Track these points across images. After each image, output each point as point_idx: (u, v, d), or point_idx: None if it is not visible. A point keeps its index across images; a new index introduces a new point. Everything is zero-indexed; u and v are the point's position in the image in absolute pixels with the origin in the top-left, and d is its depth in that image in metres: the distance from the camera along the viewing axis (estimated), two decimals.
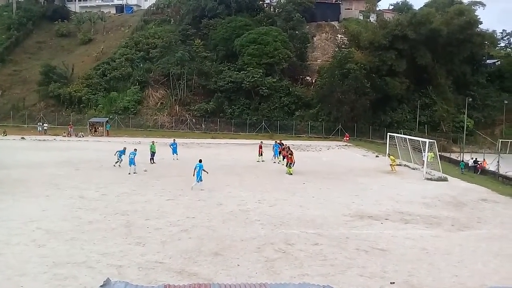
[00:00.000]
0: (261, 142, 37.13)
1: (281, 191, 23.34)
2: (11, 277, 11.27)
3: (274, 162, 33.46)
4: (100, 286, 6.10)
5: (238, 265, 12.73)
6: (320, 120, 60.08)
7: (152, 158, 31.66)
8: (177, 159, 33.23)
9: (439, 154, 31.09)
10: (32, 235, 14.76)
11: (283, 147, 33.29)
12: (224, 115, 61.59)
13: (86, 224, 16.28)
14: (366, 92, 56.47)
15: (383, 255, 14.10)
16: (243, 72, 61.24)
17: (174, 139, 36.32)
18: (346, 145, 51.21)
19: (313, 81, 65.96)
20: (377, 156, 34.45)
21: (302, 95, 63.06)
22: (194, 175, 22.87)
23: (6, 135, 49.66)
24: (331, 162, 36.42)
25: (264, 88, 60.50)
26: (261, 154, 34.77)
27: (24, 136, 48.34)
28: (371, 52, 59.75)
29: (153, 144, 32.60)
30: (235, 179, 26.45)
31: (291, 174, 28.37)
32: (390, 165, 31.90)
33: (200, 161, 23.69)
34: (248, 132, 59.03)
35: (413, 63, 58.66)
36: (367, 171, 31.46)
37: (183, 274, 11.89)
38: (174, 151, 33.76)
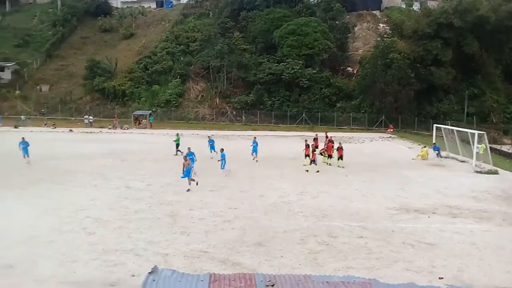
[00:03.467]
0: (316, 134, 36.60)
1: (323, 184, 23.09)
2: (63, 263, 11.72)
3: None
4: (149, 273, 6.21)
5: (281, 256, 12.69)
6: (362, 111, 58.95)
7: (177, 150, 31.96)
8: (211, 158, 29.81)
9: (489, 146, 29.80)
10: (82, 223, 15.31)
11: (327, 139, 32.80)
12: (264, 107, 61.55)
13: (132, 213, 16.73)
14: (410, 82, 54.81)
15: (431, 249, 13.67)
16: (282, 64, 60.90)
17: (210, 136, 33.27)
18: (390, 137, 50.01)
19: (355, 72, 64.74)
20: (424, 147, 33.51)
21: (343, 86, 62.07)
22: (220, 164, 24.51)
23: (55, 127, 51.78)
24: (374, 154, 35.70)
25: (304, 80, 59.94)
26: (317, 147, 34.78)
27: (72, 129, 50.20)
28: (414, 41, 57.82)
29: (177, 136, 33.04)
30: (276, 171, 26.38)
31: (330, 164, 28.60)
32: (418, 155, 32.12)
33: (222, 150, 25.17)
34: (289, 124, 58.77)
35: (459, 52, 56.30)
36: (412, 164, 30.62)
37: (227, 264, 11.98)
38: (212, 147, 30.86)
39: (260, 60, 63.61)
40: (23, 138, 27.69)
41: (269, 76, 60.85)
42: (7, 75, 70.61)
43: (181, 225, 15.40)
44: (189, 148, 24.67)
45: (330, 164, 28.89)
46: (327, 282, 6.23)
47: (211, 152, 30.93)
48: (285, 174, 25.64)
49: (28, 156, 26.91)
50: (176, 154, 31.17)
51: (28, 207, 17.32)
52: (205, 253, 12.78)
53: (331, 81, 61.81)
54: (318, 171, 26.22)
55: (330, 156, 29.13)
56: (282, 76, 59.95)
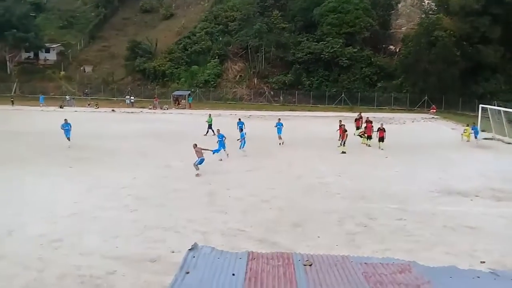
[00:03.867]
0: (359, 113, 36.07)
1: (362, 165, 22.77)
2: (107, 239, 12.20)
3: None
4: (189, 249, 6.34)
5: (318, 237, 12.69)
6: (404, 91, 57.35)
7: (208, 130, 32.01)
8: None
9: None
10: (124, 200, 15.83)
11: (362, 119, 32.27)
12: (303, 87, 60.94)
13: (172, 191, 17.12)
14: (456, 61, 52.60)
15: (473, 233, 13.29)
16: (322, 42, 59.84)
17: (240, 119, 32.19)
18: (432, 117, 48.46)
19: (397, 50, 62.87)
20: (467, 126, 32.32)
21: (385, 65, 60.47)
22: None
23: (98, 107, 53.35)
24: (416, 135, 34.79)
25: (344, 59, 58.78)
26: (358, 128, 34.37)
27: (114, 109, 51.58)
28: (461, 18, 55.20)
29: (210, 117, 33.17)
30: (313, 152, 26.21)
31: (370, 145, 28.23)
32: (462, 134, 31.13)
33: (218, 131, 25.11)
34: (327, 104, 58.02)
35: (509, 29, 53.31)
36: (456, 145, 29.62)
37: (264, 243, 12.10)
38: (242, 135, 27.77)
39: (299, 39, 62.72)
40: (65, 120, 27.50)
41: (308, 55, 60.00)
42: (52, 56, 73.05)
43: (219, 204, 15.65)
44: (218, 130, 24.59)
45: (369, 145, 28.42)
46: (365, 263, 6.17)
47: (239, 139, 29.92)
48: (323, 155, 25.44)
49: (69, 139, 26.66)
50: (206, 135, 31.40)
51: (73, 184, 18.05)
52: (243, 232, 12.96)
53: (372, 60, 60.30)
54: (344, 152, 25.77)
55: (369, 137, 28.62)
56: (321, 55, 58.99)
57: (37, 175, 19.28)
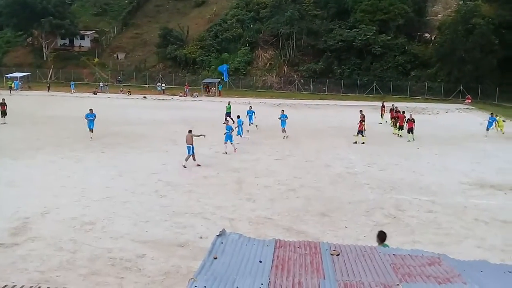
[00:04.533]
0: (383, 102, 35.90)
1: (393, 155, 22.41)
2: (137, 223, 12.49)
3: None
4: (217, 235, 6.41)
5: (345, 227, 12.62)
6: (438, 80, 55.87)
7: (226, 118, 31.96)
8: (256, 126, 29.78)
9: None
10: (154, 186, 16.13)
11: (394, 110, 31.70)
12: (333, 76, 60.21)
13: (201, 178, 17.34)
14: (494, 49, 50.77)
15: (506, 227, 12.92)
16: (354, 30, 58.85)
17: (251, 106, 31.71)
18: (467, 108, 47.12)
19: (432, 38, 61.12)
20: (504, 121, 31.10)
21: (419, 54, 58.97)
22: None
23: (130, 94, 54.32)
24: (449, 126, 33.89)
25: (377, 47, 57.67)
26: (382, 116, 34.00)
27: (146, 96, 52.39)
28: (501, 4, 53.15)
29: (229, 104, 33.16)
30: (343, 141, 25.97)
31: (401, 136, 27.63)
32: (496, 127, 29.89)
33: (238, 117, 25.59)
34: (358, 94, 57.22)
35: None
36: (491, 137, 28.68)
37: (291, 231, 12.13)
38: (250, 119, 29.86)
39: (331, 27, 61.86)
40: (91, 109, 25.54)
41: (340, 43, 59.14)
42: (86, 43, 74.64)
43: (247, 191, 15.75)
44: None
45: (401, 136, 27.92)
46: (393, 254, 6.09)
47: (249, 124, 29.38)
48: (353, 145, 25.17)
49: (92, 130, 24.95)
50: (225, 122, 31.24)
51: (105, 169, 18.52)
52: (270, 220, 13.02)
53: (406, 48, 58.93)
54: (360, 143, 25.25)
55: (401, 127, 28.09)
56: (354, 43, 58.04)
57: (72, 160, 19.90)
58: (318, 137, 27.11)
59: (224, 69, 25.86)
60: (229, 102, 34.56)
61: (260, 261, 5.64)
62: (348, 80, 58.87)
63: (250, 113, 29.95)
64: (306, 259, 5.78)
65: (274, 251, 5.97)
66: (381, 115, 34.77)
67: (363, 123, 25.86)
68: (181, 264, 10.01)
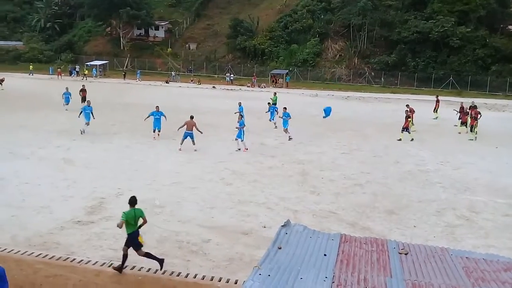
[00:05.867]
0: (437, 96, 34.32)
1: (468, 154, 21.21)
2: (203, 209, 12.84)
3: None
4: (282, 225, 6.44)
5: (414, 226, 12.14)
6: None
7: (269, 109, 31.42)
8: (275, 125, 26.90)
9: None
10: (221, 174, 16.49)
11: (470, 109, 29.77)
12: (407, 69, 57.96)
13: (266, 169, 17.45)
14: None
15: None
16: (431, 21, 56.16)
17: (269, 103, 29.63)
18: None
19: None
20: None
21: (502, 47, 55.10)
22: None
23: (200, 84, 55.77)
24: None
25: (455, 39, 54.65)
26: (436, 110, 32.26)
27: (215, 85, 53.52)
28: None
29: (275, 95, 32.64)
30: (414, 137, 24.94)
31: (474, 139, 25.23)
32: None
33: (240, 104, 24.96)
34: (433, 88, 54.63)
35: None
36: None
37: (356, 227, 11.89)
38: (272, 116, 27.18)
39: (406, 17, 59.47)
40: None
41: (414, 34, 56.73)
42: (161, 34, 77.51)
43: (311, 184, 15.63)
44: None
45: (476, 133, 26.37)
46: (466, 257, 5.80)
47: (270, 121, 27.57)
48: (425, 141, 24.15)
49: (88, 122, 22.95)
50: (268, 111, 30.71)
51: (176, 155, 19.22)
52: (334, 214, 12.84)
53: (487, 41, 55.34)
54: (409, 140, 23.74)
55: (465, 124, 26.71)
56: (430, 35, 55.41)
57: (145, 145, 20.85)
58: (387, 132, 26.26)
59: (329, 112, 24.86)
60: (275, 93, 34.08)
61: (325, 255, 5.59)
62: (422, 73, 56.39)
63: (272, 109, 27.66)
64: (373, 256, 5.65)
65: (339, 246, 5.90)
66: (435, 110, 32.84)
67: (409, 119, 24.42)
68: (244, 251, 10.17)
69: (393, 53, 59.05)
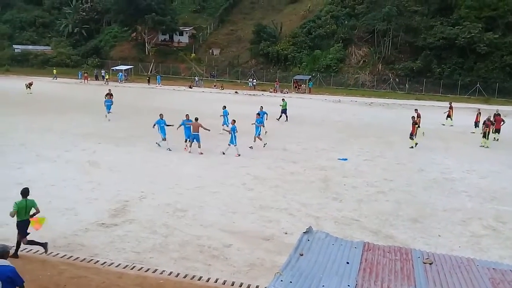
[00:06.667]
0: (451, 102, 33.84)
1: (495, 162, 20.70)
2: (225, 213, 12.88)
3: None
4: (304, 232, 6.40)
5: (438, 235, 11.90)
6: None
7: (282, 114, 31.43)
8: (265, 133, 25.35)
9: None
10: (243, 179, 16.51)
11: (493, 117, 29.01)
12: (432, 75, 57.08)
13: (288, 174, 17.40)
14: None
15: None
16: (457, 27, 55.23)
17: (262, 107, 26.72)
18: None
19: None
20: None
21: None
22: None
23: (223, 89, 56.10)
24: None
25: (482, 45, 53.56)
26: (449, 116, 31.60)
27: (237, 91, 53.74)
28: None
29: (284, 101, 32.34)
30: (439, 144, 24.55)
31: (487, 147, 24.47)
32: None
33: (224, 107, 25.49)
34: (459, 95, 53.61)
35: None
36: None
37: (379, 235, 11.73)
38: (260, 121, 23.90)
39: (432, 23, 58.65)
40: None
41: (440, 40, 55.90)
42: (185, 39, 78.43)
43: (333, 190, 15.50)
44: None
45: (497, 140, 25.83)
46: (493, 268, 5.64)
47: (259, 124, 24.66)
48: (451, 149, 23.70)
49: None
50: (278, 119, 30.92)
51: (198, 159, 19.36)
52: (356, 221, 12.69)
53: None
54: (416, 144, 23.30)
55: (497, 131, 26.00)
56: (456, 41, 54.48)
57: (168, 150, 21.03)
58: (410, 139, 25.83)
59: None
60: (283, 99, 33.88)
61: (348, 262, 5.53)
62: (448, 80, 55.43)
63: (262, 114, 25.33)
64: (396, 265, 5.56)
65: (362, 254, 5.82)
66: (449, 117, 32.12)
67: (416, 125, 23.87)
68: (265, 257, 10.14)
69: (418, 59, 58.27)
